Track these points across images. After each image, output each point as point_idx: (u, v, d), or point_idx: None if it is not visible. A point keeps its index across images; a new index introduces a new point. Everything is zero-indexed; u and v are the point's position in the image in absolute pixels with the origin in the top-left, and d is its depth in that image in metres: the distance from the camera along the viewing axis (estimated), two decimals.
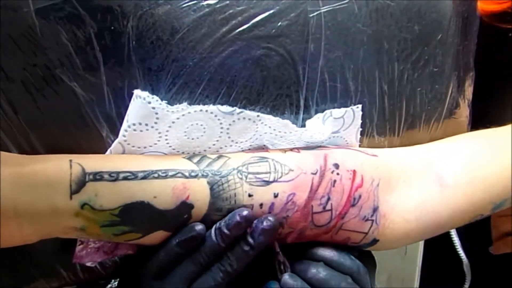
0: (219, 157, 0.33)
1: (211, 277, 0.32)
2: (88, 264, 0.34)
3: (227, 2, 0.31)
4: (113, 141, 0.31)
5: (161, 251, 0.32)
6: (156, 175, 0.30)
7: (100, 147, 0.32)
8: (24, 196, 0.28)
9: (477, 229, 0.42)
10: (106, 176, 0.29)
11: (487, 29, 0.47)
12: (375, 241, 0.37)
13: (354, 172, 0.35)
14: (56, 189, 0.28)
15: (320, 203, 0.34)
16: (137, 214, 0.30)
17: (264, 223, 0.31)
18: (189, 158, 0.32)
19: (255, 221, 0.32)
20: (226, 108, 0.32)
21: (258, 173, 0.32)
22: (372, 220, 0.35)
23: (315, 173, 0.33)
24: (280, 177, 0.33)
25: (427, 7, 0.38)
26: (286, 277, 0.34)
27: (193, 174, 0.31)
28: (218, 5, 0.31)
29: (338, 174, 0.34)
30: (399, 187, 0.37)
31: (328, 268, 0.34)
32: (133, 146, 0.31)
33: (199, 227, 0.31)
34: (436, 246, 0.46)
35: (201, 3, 0.31)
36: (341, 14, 0.35)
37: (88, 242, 0.33)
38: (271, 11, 0.32)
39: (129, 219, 0.30)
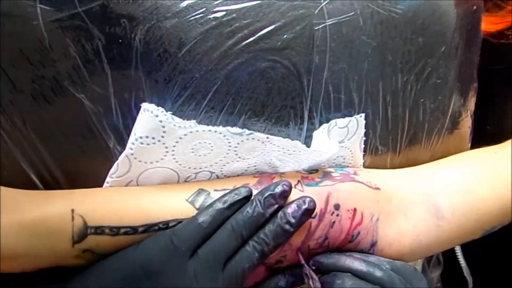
0: None
1: (247, 257, 0.31)
2: None
3: (234, 15, 0.31)
4: (120, 152, 0.32)
5: (207, 218, 0.31)
6: (156, 227, 0.31)
7: (106, 158, 0.32)
8: (26, 244, 0.29)
9: None
10: (107, 230, 0.30)
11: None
12: None
13: (355, 210, 0.35)
14: (58, 239, 0.29)
15: (317, 242, 0.34)
16: None
17: (308, 205, 0.32)
18: (192, 201, 0.32)
19: (295, 202, 0.32)
20: (235, 130, 0.32)
21: None
22: (370, 254, 0.36)
23: (314, 217, 0.34)
24: None
25: (431, 19, 0.38)
26: None
27: None
28: (224, 18, 0.31)
29: (337, 215, 0.34)
30: (398, 220, 0.37)
31: (354, 277, 0.33)
32: (140, 161, 0.32)
33: (246, 188, 0.32)
34: None
35: (208, 16, 0.31)
36: (346, 27, 0.35)
37: None
38: (277, 24, 0.32)
39: None
